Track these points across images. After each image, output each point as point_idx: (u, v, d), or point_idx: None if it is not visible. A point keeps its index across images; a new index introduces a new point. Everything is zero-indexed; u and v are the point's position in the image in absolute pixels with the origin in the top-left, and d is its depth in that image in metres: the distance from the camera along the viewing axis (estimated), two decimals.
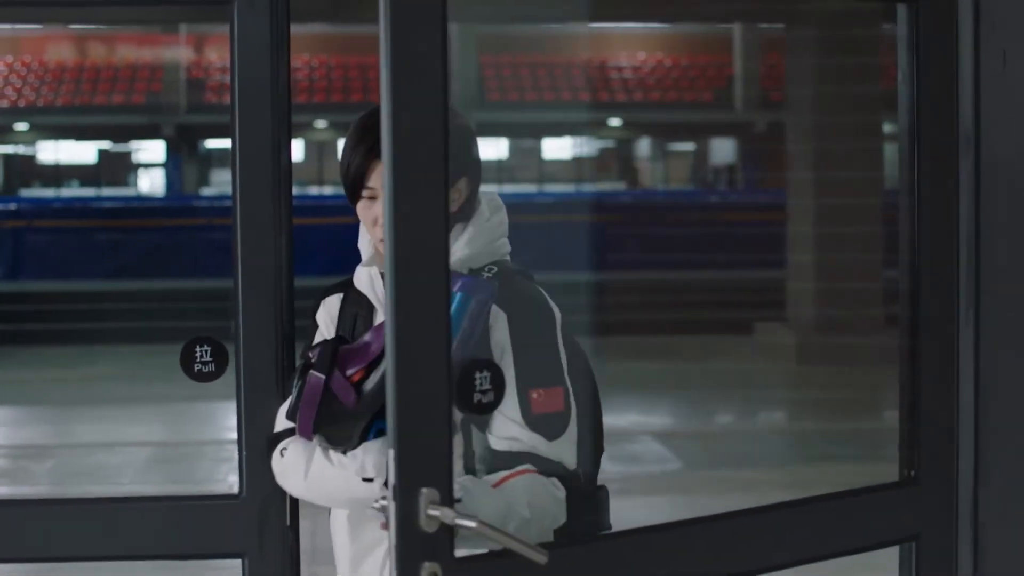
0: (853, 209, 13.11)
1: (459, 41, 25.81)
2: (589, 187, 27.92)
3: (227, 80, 2.83)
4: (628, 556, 2.39)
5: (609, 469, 9.07)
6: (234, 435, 2.83)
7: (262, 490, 2.74)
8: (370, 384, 2.49)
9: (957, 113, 2.73)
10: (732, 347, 14.08)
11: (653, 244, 18.17)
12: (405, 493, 2.02)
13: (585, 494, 2.60)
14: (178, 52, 24.56)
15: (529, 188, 26.47)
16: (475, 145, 2.64)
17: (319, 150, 26.92)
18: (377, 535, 2.55)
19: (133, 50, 25.95)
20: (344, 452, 2.53)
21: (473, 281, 2.48)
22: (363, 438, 2.51)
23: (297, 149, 26.15)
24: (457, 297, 2.42)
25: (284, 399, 2.66)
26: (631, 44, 28.49)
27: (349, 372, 2.50)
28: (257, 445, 2.73)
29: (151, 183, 27.82)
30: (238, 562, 2.86)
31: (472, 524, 2.04)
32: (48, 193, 25.74)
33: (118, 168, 27.98)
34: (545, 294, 2.62)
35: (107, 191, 25.89)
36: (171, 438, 10.60)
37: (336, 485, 2.55)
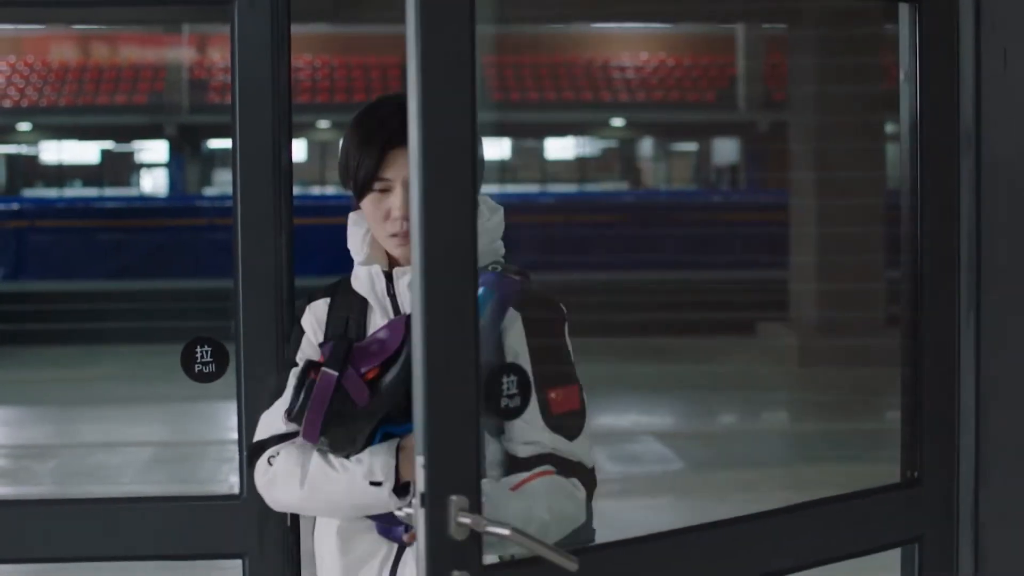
0: (856, 209, 13.10)
1: None
2: (592, 187, 27.93)
3: (230, 80, 2.83)
4: (626, 564, 2.37)
5: (611, 469, 9.08)
6: (236, 435, 2.83)
7: None
8: (386, 382, 2.40)
9: (958, 113, 2.73)
10: (734, 348, 14.06)
11: (655, 244, 18.16)
12: (435, 501, 1.99)
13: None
14: (181, 52, 24.57)
15: (532, 188, 26.47)
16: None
17: (322, 150, 26.92)
18: (370, 547, 2.51)
19: (136, 50, 25.97)
20: (347, 457, 2.44)
21: (496, 278, 2.46)
22: (368, 442, 2.42)
23: (300, 149, 26.15)
24: (479, 292, 2.37)
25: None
26: (634, 44, 28.48)
27: (363, 370, 2.41)
28: None
29: (154, 183, 27.82)
30: (238, 563, 2.87)
31: (505, 532, 2.01)
32: (51, 193, 25.75)
33: (121, 168, 27.98)
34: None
35: (110, 191, 25.90)
36: (173, 438, 10.60)
37: (340, 491, 2.44)
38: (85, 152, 27.61)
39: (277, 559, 2.81)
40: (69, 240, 18.78)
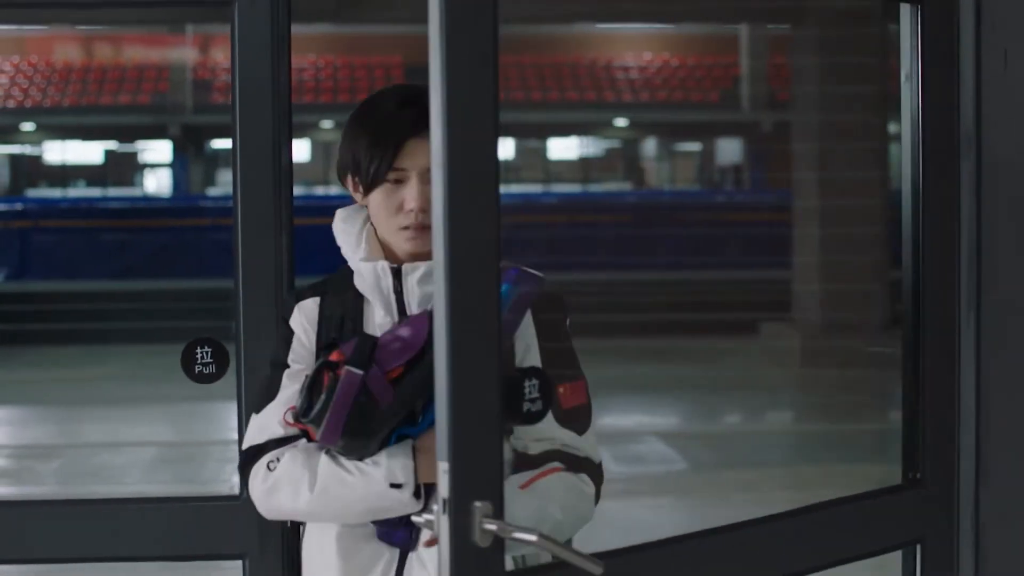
0: (859, 209, 13.09)
1: None
2: (595, 187, 27.93)
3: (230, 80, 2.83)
4: (629, 569, 2.37)
5: (614, 469, 9.05)
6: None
7: None
8: (411, 381, 2.32)
9: (958, 113, 2.72)
10: (737, 348, 14.06)
11: (658, 245, 18.16)
12: (459, 507, 1.96)
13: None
14: (184, 52, 24.59)
15: (535, 188, 26.47)
16: None
17: (325, 150, 26.92)
18: (372, 553, 2.43)
19: (139, 50, 25.98)
20: (360, 459, 2.35)
21: (519, 273, 2.39)
22: (384, 443, 2.35)
23: (304, 149, 26.16)
24: (503, 289, 2.31)
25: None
26: (637, 44, 28.48)
27: (388, 368, 2.32)
28: None
29: (157, 183, 27.83)
30: (239, 563, 2.87)
31: (532, 538, 1.99)
32: (55, 193, 25.76)
33: (124, 168, 27.99)
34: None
35: (113, 191, 25.92)
36: (177, 438, 10.61)
37: (356, 495, 2.35)
38: (89, 152, 27.62)
39: (277, 560, 2.81)
40: (73, 240, 18.79)
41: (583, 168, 28.99)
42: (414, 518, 2.18)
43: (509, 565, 2.11)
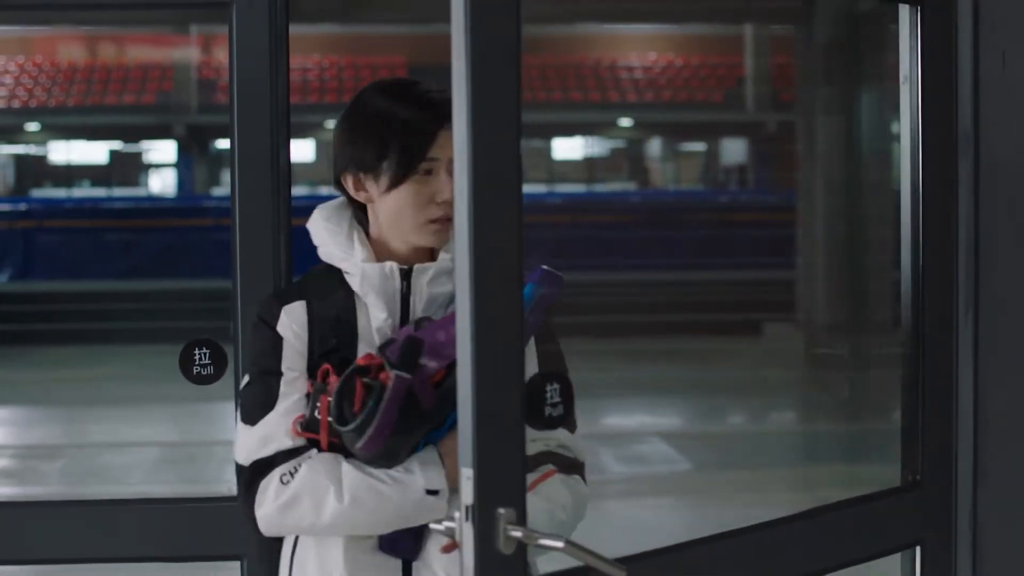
0: (863, 210, 13.08)
1: None
2: (600, 187, 27.93)
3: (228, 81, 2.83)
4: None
5: (617, 470, 9.04)
6: None
7: None
8: (451, 385, 2.21)
9: (957, 114, 2.72)
10: (741, 348, 14.06)
11: (661, 245, 18.15)
12: (483, 514, 1.95)
13: None
14: (189, 52, 24.59)
15: (539, 188, 26.46)
16: None
17: (330, 150, 26.90)
18: (379, 565, 2.36)
19: (144, 50, 25.99)
20: (388, 467, 2.28)
21: (543, 273, 2.35)
22: (413, 450, 2.29)
23: (308, 149, 26.18)
24: (527, 289, 2.29)
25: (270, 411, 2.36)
26: (641, 44, 28.47)
27: (431, 372, 2.24)
28: None
29: (162, 183, 27.85)
30: (237, 564, 2.87)
31: (559, 544, 1.97)
32: (59, 193, 25.78)
33: (129, 168, 28.00)
34: None
35: (118, 191, 25.93)
36: (180, 438, 10.61)
37: (391, 505, 2.28)
38: (93, 152, 27.63)
39: (275, 561, 2.80)
40: (77, 240, 18.80)
41: (587, 168, 28.98)
42: (432, 525, 2.16)
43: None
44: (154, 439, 10.40)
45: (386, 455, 2.25)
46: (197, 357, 2.79)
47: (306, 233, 2.47)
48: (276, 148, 2.80)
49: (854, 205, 12.97)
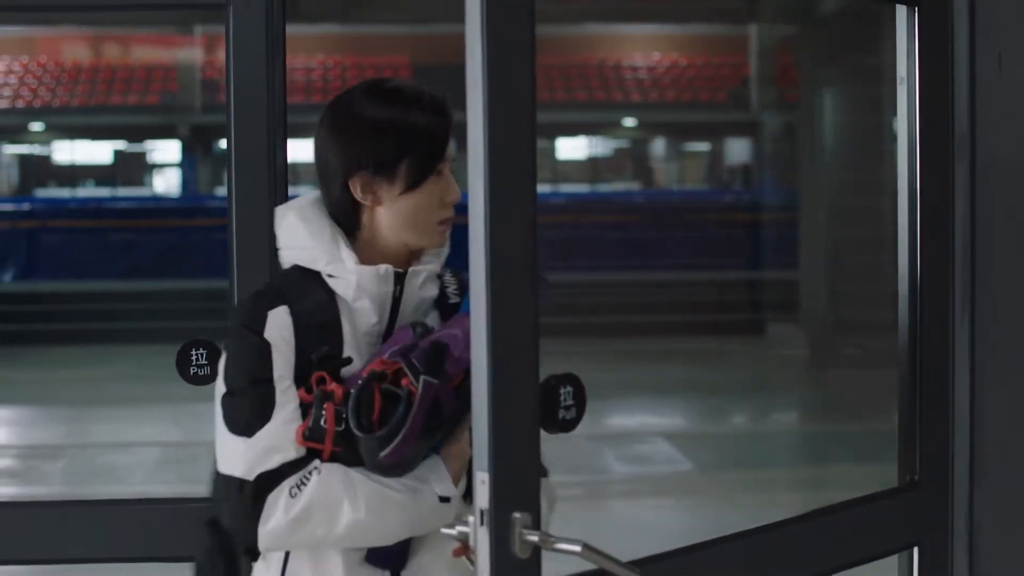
0: (866, 210, 13.08)
1: None
2: (604, 187, 27.93)
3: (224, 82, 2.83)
4: None
5: (619, 470, 9.02)
6: None
7: None
8: (468, 389, 2.12)
9: (953, 115, 2.72)
10: (744, 348, 14.06)
11: (665, 245, 18.14)
12: (499, 518, 1.95)
13: None
14: (193, 53, 24.60)
15: (543, 188, 26.46)
16: None
17: None
18: None
19: (148, 50, 26.00)
20: (399, 476, 2.23)
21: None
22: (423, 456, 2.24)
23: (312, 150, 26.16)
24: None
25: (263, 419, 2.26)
26: (646, 44, 28.46)
27: (453, 376, 2.20)
28: None
29: (166, 183, 27.86)
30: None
31: (576, 548, 1.97)
32: (64, 193, 25.80)
33: (133, 168, 28.01)
34: None
35: (122, 191, 25.95)
36: (182, 438, 10.60)
37: (406, 514, 2.23)
38: (98, 152, 27.64)
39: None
40: (81, 240, 18.81)
41: (591, 168, 28.97)
42: (444, 530, 2.15)
43: None
44: (156, 439, 10.41)
45: (404, 464, 2.21)
46: (194, 358, 2.80)
47: None
48: (273, 149, 2.80)
49: (849, 204, 12.98)
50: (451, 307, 2.39)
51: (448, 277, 2.42)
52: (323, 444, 2.21)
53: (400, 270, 2.33)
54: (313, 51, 25.06)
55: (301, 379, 2.25)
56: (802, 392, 12.64)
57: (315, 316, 2.30)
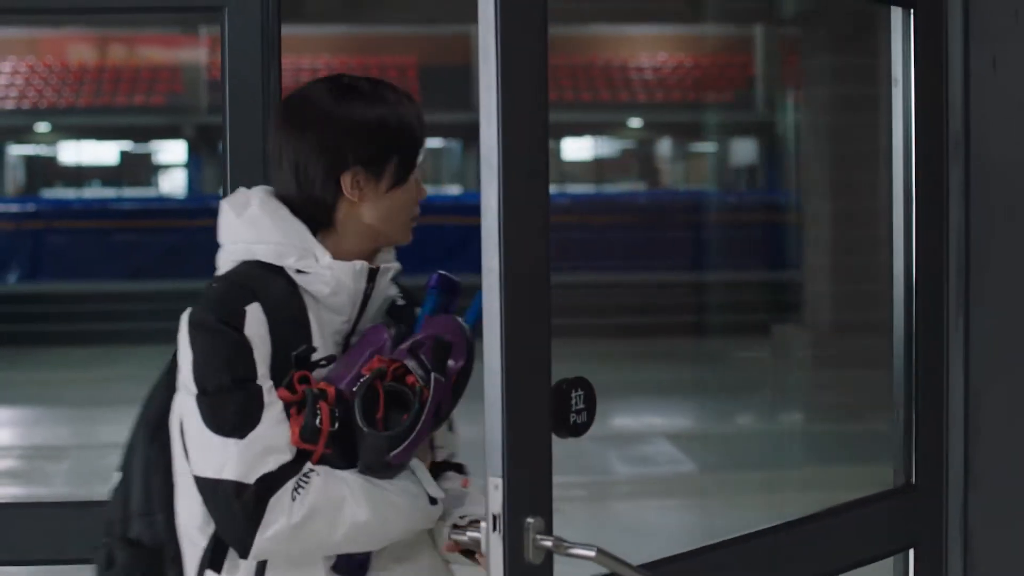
0: (869, 211, 13.07)
1: None
2: (610, 188, 27.94)
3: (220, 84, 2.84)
4: None
5: (622, 470, 9.02)
6: None
7: None
8: (462, 387, 2.17)
9: (947, 117, 2.73)
10: (748, 349, 14.05)
11: (668, 245, 18.14)
12: (512, 524, 1.95)
13: None
14: (198, 53, 24.62)
15: (550, 189, 26.45)
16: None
17: None
18: None
19: (154, 51, 26.03)
20: (390, 478, 2.19)
21: (439, 278, 2.31)
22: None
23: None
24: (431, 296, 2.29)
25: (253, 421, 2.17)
26: (651, 45, 28.46)
27: (451, 374, 2.16)
28: None
29: (172, 184, 27.89)
30: None
31: (591, 553, 1.97)
32: (70, 194, 25.84)
33: (139, 169, 28.05)
34: None
35: (128, 192, 25.99)
36: None
37: (402, 516, 2.19)
38: (104, 153, 27.69)
39: None
40: (86, 240, 18.83)
41: (597, 169, 28.98)
42: (455, 536, 2.16)
43: None
44: None
45: (403, 465, 2.18)
46: None
47: None
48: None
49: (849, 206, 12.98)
50: (398, 309, 2.35)
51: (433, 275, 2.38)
52: (316, 445, 2.15)
53: (373, 267, 2.29)
54: (318, 51, 25.05)
55: (276, 379, 2.18)
56: (806, 393, 12.63)
57: (284, 313, 2.21)
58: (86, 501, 3.03)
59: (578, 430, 2.04)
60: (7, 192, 24.96)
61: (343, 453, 2.16)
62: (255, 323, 2.19)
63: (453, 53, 21.82)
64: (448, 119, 20.63)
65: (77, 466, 9.67)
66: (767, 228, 18.36)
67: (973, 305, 2.72)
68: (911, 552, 2.84)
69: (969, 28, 2.69)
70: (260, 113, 2.78)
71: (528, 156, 1.97)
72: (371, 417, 2.14)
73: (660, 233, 18.83)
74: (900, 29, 2.74)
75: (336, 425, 2.15)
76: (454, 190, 25.57)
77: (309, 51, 23.10)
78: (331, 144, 2.27)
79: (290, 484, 2.12)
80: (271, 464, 2.12)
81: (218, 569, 2.23)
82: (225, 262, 2.33)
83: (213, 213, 2.38)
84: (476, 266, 1.99)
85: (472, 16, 1.98)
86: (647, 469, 9.25)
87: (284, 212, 2.28)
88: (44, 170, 27.32)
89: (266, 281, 2.24)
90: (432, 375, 2.13)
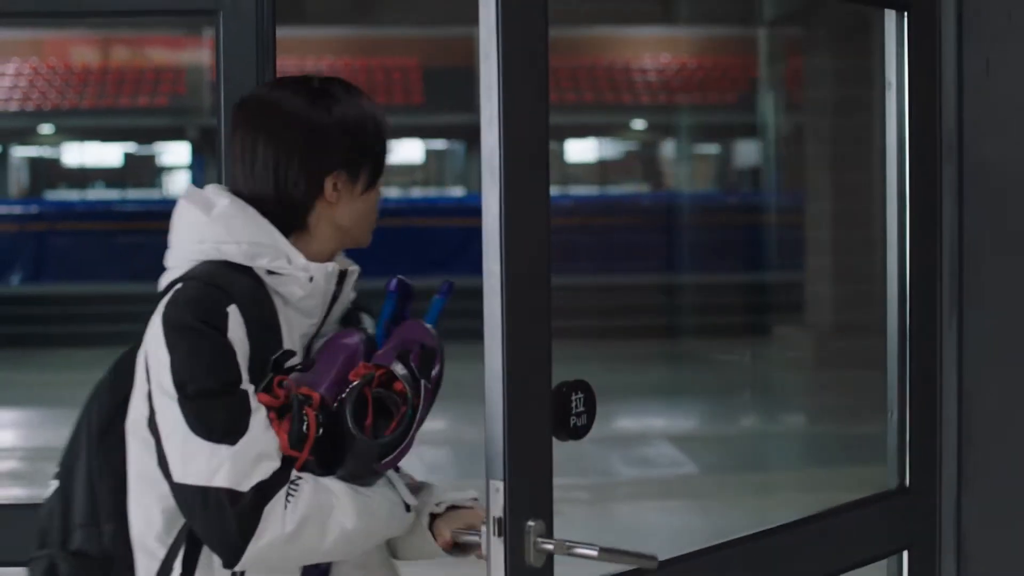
0: (871, 212, 13.07)
1: None
2: (614, 189, 27.93)
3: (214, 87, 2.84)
4: None
5: (623, 472, 9.04)
6: None
7: None
8: (436, 392, 2.16)
9: (941, 120, 2.73)
10: (749, 350, 14.04)
11: (671, 246, 18.13)
12: (514, 527, 1.96)
13: None
14: (201, 55, 24.64)
15: (552, 191, 26.44)
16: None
17: None
18: None
19: (157, 53, 26.03)
20: (367, 485, 2.17)
21: (399, 283, 2.30)
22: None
23: None
24: (439, 301, 2.27)
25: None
26: (655, 46, 28.45)
27: (431, 380, 2.15)
28: None
29: (176, 185, 27.89)
30: None
31: (593, 553, 1.98)
32: (73, 195, 25.85)
33: (143, 170, 28.06)
34: None
35: (132, 193, 25.99)
36: None
37: (382, 524, 2.18)
38: (107, 154, 27.70)
39: None
40: (90, 242, 18.84)
41: (600, 171, 28.97)
42: (465, 537, 2.17)
43: None
44: None
45: (382, 473, 2.17)
46: None
47: None
48: None
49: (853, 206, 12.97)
50: (348, 312, 2.33)
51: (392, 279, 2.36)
52: (301, 452, 2.10)
53: (343, 269, 2.27)
54: (322, 53, 25.08)
55: (253, 383, 2.13)
56: (807, 394, 12.63)
57: (255, 314, 2.16)
58: None
59: (578, 433, 2.05)
60: (11, 194, 24.97)
61: (320, 460, 2.13)
62: (236, 326, 2.13)
63: (456, 55, 21.83)
64: (451, 121, 20.65)
65: None
66: (767, 229, 18.36)
67: (966, 307, 2.72)
68: (905, 554, 2.84)
69: (963, 30, 2.70)
70: None
71: (529, 158, 1.98)
72: (360, 424, 2.10)
73: (662, 234, 18.82)
74: (894, 32, 2.75)
75: (321, 431, 2.11)
76: (457, 192, 25.58)
77: (312, 53, 23.10)
78: (317, 147, 2.24)
79: (283, 492, 2.08)
80: (264, 471, 2.07)
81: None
82: (182, 261, 2.26)
83: None
84: (480, 268, 1.99)
85: (474, 18, 1.98)
86: (648, 471, 9.25)
87: (252, 211, 2.24)
88: (48, 172, 27.34)
89: (236, 282, 2.17)
90: (423, 383, 2.11)
